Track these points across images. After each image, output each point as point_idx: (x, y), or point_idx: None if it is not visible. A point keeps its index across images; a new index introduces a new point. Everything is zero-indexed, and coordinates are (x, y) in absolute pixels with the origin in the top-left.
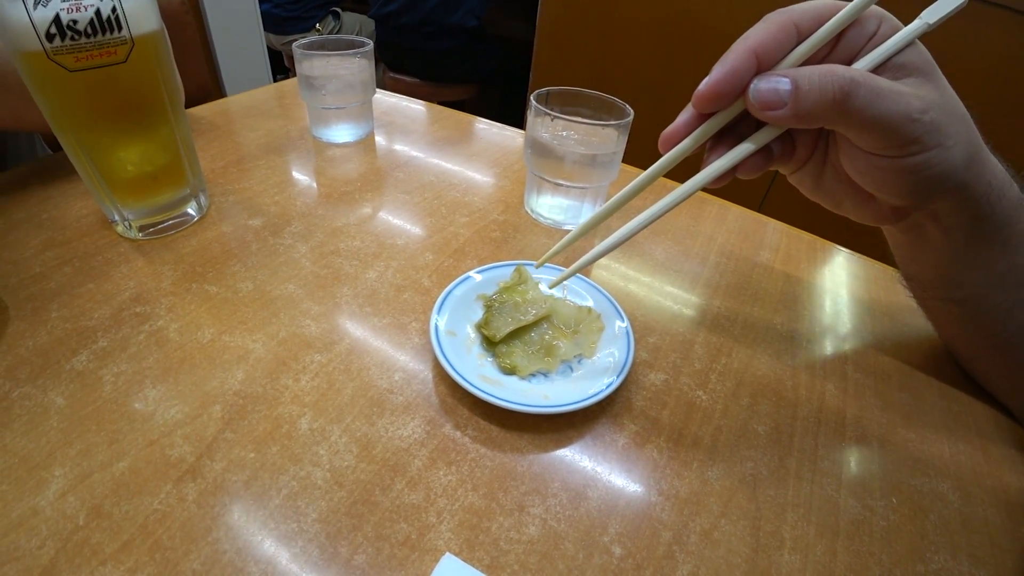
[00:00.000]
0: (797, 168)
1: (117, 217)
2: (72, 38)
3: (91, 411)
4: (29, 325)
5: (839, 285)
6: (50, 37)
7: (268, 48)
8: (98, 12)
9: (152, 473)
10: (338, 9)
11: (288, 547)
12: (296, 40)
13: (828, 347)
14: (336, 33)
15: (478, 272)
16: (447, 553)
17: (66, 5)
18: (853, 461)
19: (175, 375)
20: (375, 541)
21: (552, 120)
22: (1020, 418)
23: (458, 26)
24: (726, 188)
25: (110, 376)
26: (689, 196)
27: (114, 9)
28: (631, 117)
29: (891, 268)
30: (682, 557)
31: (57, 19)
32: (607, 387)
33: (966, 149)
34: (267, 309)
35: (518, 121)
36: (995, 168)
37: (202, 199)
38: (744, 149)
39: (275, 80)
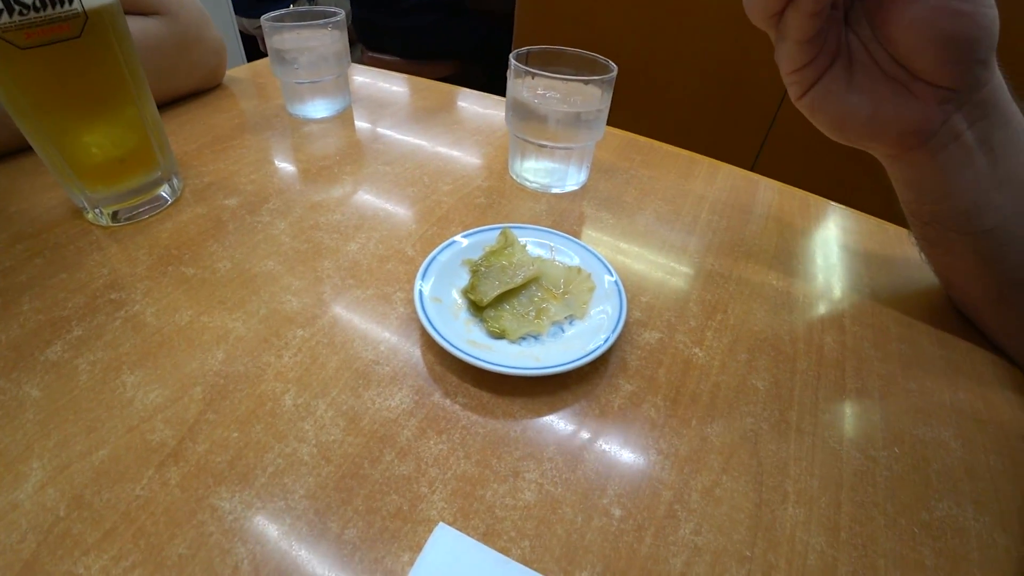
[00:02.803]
0: (827, 65)
1: (86, 204)
2: (20, 12)
3: (67, 401)
4: (0, 319)
5: (834, 240)
6: None
7: (241, 32)
8: None
9: (133, 459)
10: None
11: (277, 525)
12: None
13: (825, 301)
14: None
15: (464, 236)
16: (440, 523)
17: None
18: (854, 413)
19: (153, 359)
20: (366, 515)
21: (533, 78)
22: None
23: (436, 0)
24: (716, 149)
25: (86, 365)
26: None
27: None
28: (615, 72)
29: (889, 224)
30: (684, 515)
31: None
32: (604, 342)
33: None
34: (246, 287)
35: (503, 95)
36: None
37: (175, 182)
38: None
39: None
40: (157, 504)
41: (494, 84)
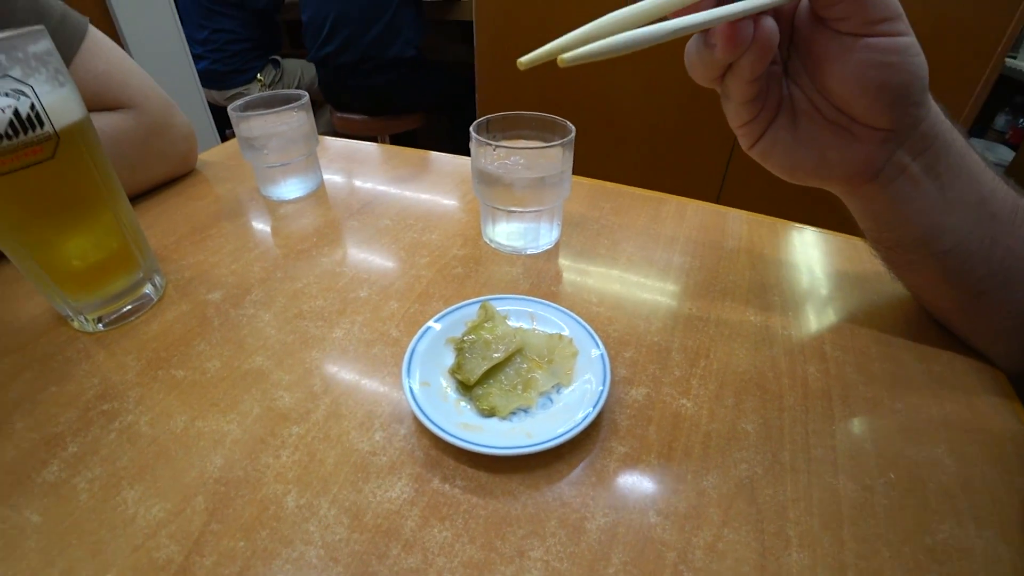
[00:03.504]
0: (772, 117)
1: (71, 312)
2: None
3: (69, 524)
4: None
5: (805, 262)
6: None
7: (211, 104)
8: (16, 112)
9: None
10: (277, 57)
11: None
12: (239, 92)
13: (804, 329)
14: (278, 81)
15: (436, 320)
16: None
17: None
18: (846, 443)
19: (152, 471)
20: None
21: (495, 149)
22: (1002, 364)
23: (397, 58)
24: (682, 185)
25: (84, 483)
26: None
27: (32, 106)
28: (573, 134)
29: (855, 238)
30: (689, 572)
31: None
32: (583, 420)
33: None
34: (238, 386)
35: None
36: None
37: (157, 280)
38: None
39: (223, 135)
40: None
41: (459, 132)
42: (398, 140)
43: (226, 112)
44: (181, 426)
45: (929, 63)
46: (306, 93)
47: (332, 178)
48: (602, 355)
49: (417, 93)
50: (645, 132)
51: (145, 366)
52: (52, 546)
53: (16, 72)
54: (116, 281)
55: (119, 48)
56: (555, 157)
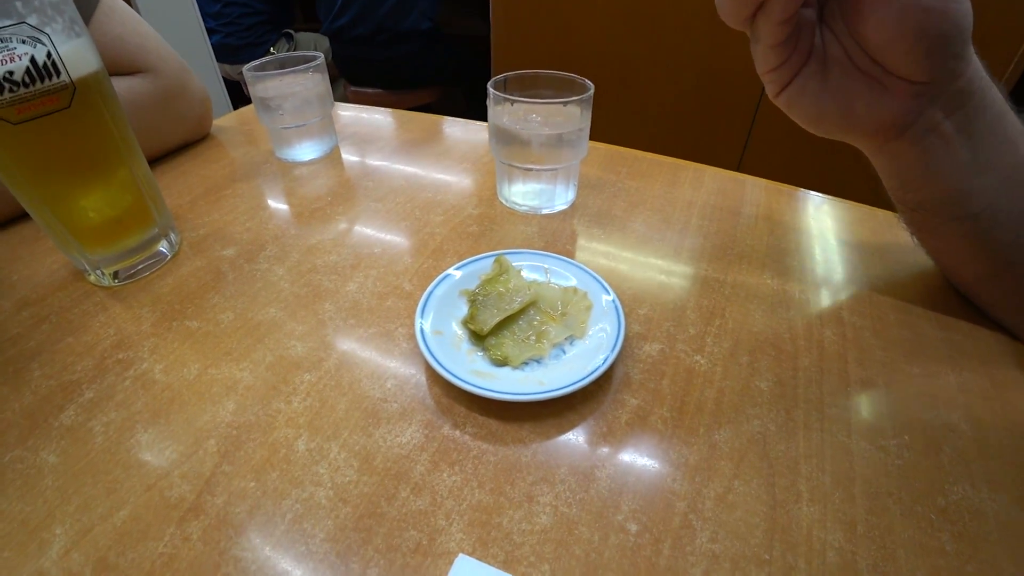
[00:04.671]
0: (801, 63)
1: (87, 266)
2: (11, 90)
3: (85, 464)
4: (13, 388)
5: (825, 231)
6: None
7: (225, 79)
8: (32, 60)
9: (154, 517)
10: (290, 31)
11: (299, 570)
12: None
13: (821, 295)
14: None
15: (456, 268)
16: (460, 554)
17: None
18: (860, 404)
19: (166, 416)
20: (386, 552)
21: (512, 105)
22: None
23: (412, 30)
24: (701, 152)
25: (100, 427)
26: None
27: (49, 55)
28: (591, 91)
29: (878, 209)
30: (699, 524)
31: None
32: (603, 363)
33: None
34: (251, 336)
35: (485, 118)
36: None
37: (172, 237)
38: None
39: (236, 107)
40: (181, 560)
41: (475, 106)
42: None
43: (239, 87)
44: (194, 374)
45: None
46: (321, 55)
47: (347, 141)
48: (614, 301)
49: (433, 67)
50: (665, 102)
51: (160, 318)
52: (68, 484)
53: (32, 20)
54: (132, 236)
55: (135, 13)
56: (573, 114)
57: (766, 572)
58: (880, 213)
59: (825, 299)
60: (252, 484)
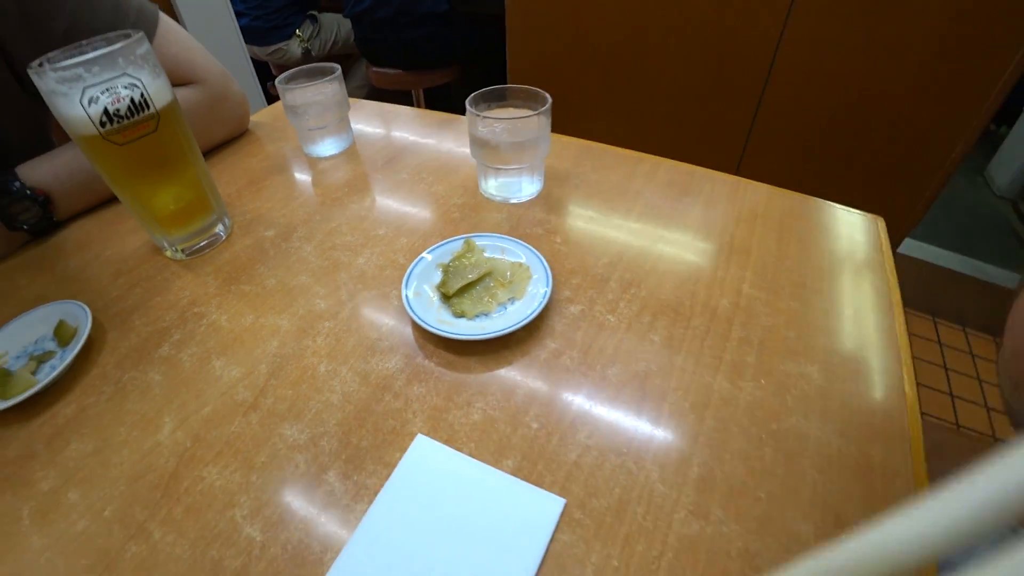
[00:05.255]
0: None
1: (165, 244)
2: (117, 122)
3: (180, 380)
4: (122, 333)
5: (755, 215)
6: (102, 124)
7: (253, 60)
8: (131, 99)
9: (227, 411)
10: (315, 13)
11: (319, 442)
12: (279, 48)
13: (730, 270)
14: (316, 36)
15: (429, 252)
16: (419, 434)
17: (109, 99)
18: (732, 355)
19: (231, 349)
20: (373, 432)
21: (482, 119)
22: None
23: (430, 12)
24: (703, 151)
25: (187, 357)
26: None
27: (142, 95)
28: (548, 103)
29: (809, 197)
30: (581, 425)
31: (105, 111)
32: (528, 316)
33: None
34: (288, 296)
35: None
36: None
37: (226, 221)
38: None
39: (264, 89)
40: (246, 436)
41: (494, 82)
42: (432, 92)
43: (267, 66)
44: (249, 322)
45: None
46: (338, 67)
47: (362, 137)
48: (546, 272)
49: (450, 47)
50: (674, 90)
51: (222, 283)
52: (170, 392)
53: (131, 70)
54: (196, 221)
55: (183, 29)
56: (532, 124)
57: (620, 460)
58: (811, 200)
59: (732, 273)
60: (290, 392)
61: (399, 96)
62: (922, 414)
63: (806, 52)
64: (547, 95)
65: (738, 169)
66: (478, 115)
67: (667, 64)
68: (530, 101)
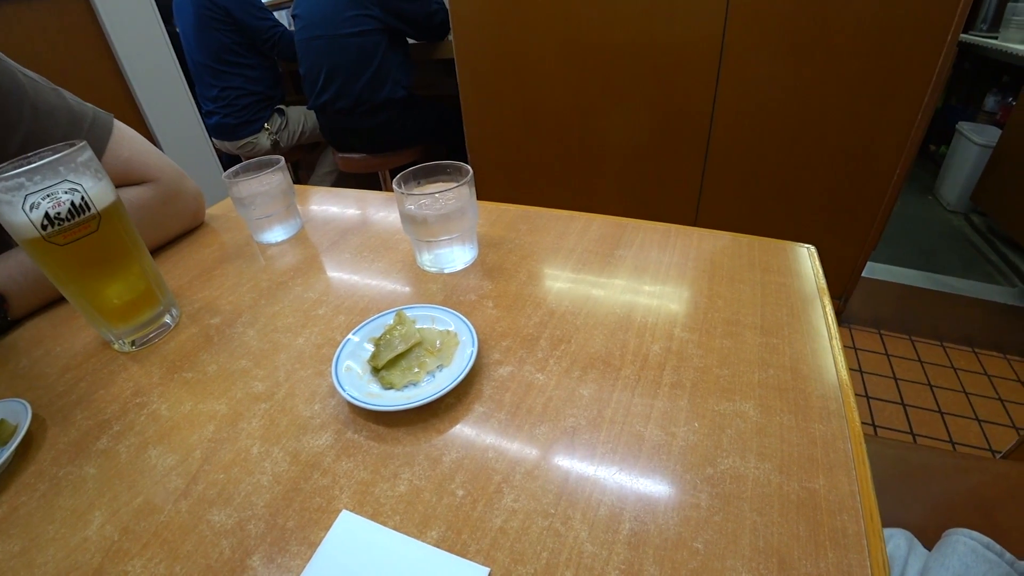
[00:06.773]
0: None
1: (112, 337)
2: (58, 224)
3: (114, 472)
4: (62, 428)
5: (687, 259)
6: (44, 227)
7: (225, 154)
8: (71, 203)
9: (159, 500)
10: (282, 107)
11: (246, 525)
12: (249, 141)
13: (662, 315)
14: (283, 128)
15: (354, 333)
16: (344, 510)
17: (49, 204)
18: (663, 403)
19: (168, 438)
20: (299, 512)
21: (407, 196)
22: None
23: (388, 99)
24: (657, 205)
25: (124, 448)
26: None
27: (82, 198)
28: (470, 175)
29: (742, 236)
30: (507, 490)
31: (46, 215)
32: (451, 383)
33: None
34: (227, 380)
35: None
36: None
37: (174, 311)
38: None
39: None
40: (174, 524)
41: (457, 157)
42: (398, 172)
43: (238, 159)
44: (188, 409)
45: (885, 42)
46: (282, 158)
47: (312, 221)
48: (473, 339)
49: (412, 129)
50: (624, 152)
51: (165, 372)
52: (103, 486)
53: (72, 176)
54: (143, 313)
55: (138, 134)
56: (456, 195)
57: (548, 522)
58: (741, 238)
59: (663, 317)
60: (222, 476)
61: (367, 179)
62: (915, 437)
63: (743, 98)
64: (469, 168)
65: (696, 219)
66: (404, 193)
67: (615, 125)
68: (455, 175)
